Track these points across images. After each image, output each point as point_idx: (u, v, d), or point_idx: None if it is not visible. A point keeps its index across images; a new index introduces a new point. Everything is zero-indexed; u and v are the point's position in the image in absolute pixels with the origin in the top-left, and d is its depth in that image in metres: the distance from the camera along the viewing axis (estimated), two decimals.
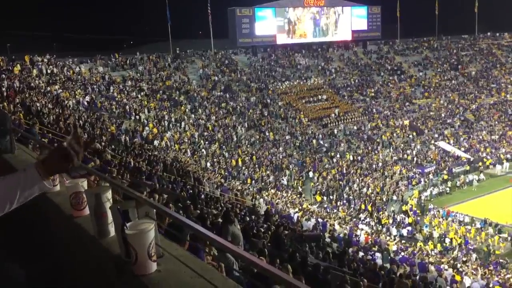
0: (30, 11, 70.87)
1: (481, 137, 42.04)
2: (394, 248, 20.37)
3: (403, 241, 24.02)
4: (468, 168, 36.61)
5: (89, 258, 2.98)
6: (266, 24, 46.97)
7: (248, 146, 33.67)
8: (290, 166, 32.54)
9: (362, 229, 23.10)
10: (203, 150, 30.44)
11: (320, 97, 42.83)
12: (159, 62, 40.92)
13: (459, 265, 19.59)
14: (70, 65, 35.44)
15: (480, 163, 37.32)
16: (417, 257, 19.40)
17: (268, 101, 40.17)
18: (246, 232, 9.75)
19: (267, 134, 35.81)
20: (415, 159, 37.06)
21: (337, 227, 21.31)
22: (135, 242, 2.26)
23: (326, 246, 14.98)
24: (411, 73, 50.58)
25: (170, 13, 44.73)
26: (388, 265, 15.30)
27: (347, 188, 31.36)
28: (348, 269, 11.66)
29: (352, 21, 51.72)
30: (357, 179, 32.66)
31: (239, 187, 24.34)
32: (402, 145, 38.92)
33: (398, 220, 28.07)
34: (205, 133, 32.93)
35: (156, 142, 28.02)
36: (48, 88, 28.21)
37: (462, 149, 39.62)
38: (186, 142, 30.74)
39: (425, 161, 37.21)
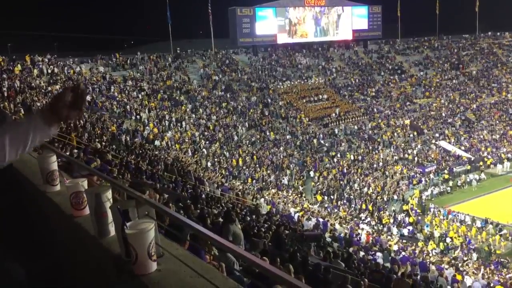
0: (30, 11, 70.98)
1: (482, 136, 42.01)
2: (395, 247, 20.35)
3: (404, 241, 23.99)
4: (469, 167, 36.59)
5: (89, 258, 2.98)
6: (266, 23, 46.98)
7: (249, 145, 33.67)
8: (291, 166, 32.54)
9: (363, 229, 23.08)
10: (203, 149, 30.43)
11: (320, 96, 42.84)
12: (159, 62, 40.94)
13: (460, 265, 19.59)
14: (71, 65, 35.46)
15: (481, 163, 37.28)
16: (417, 256, 19.40)
17: (269, 100, 40.17)
18: (247, 232, 9.75)
19: (267, 133, 35.81)
20: (416, 158, 37.04)
21: (337, 226, 21.30)
22: (135, 242, 2.26)
23: (326, 245, 14.97)
24: (412, 73, 50.57)
25: (171, 13, 44.82)
26: (388, 265, 15.29)
27: (347, 188, 31.36)
28: (349, 269, 11.64)
29: (353, 21, 51.73)
30: (358, 179, 32.65)
31: (240, 187, 24.34)
32: (403, 144, 38.92)
33: (399, 219, 28.06)
34: (206, 133, 32.94)
35: (156, 142, 28.02)
36: (49, 88, 28.22)
37: (463, 148, 39.60)
38: (186, 142, 30.74)
39: (426, 160, 37.19)
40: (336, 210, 27.40)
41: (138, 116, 31.30)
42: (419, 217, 29.05)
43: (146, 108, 32.80)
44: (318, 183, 31.20)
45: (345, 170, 33.51)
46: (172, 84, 38.04)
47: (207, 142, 31.76)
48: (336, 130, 38.90)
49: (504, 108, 46.89)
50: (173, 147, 28.79)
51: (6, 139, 1.86)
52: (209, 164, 28.52)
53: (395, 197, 31.64)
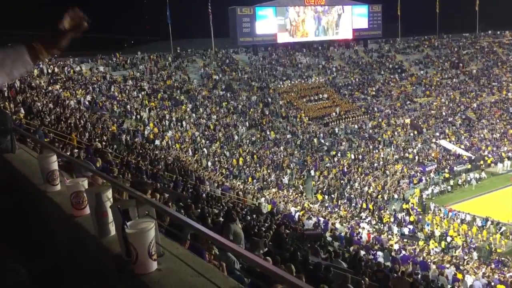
0: (30, 11, 70.94)
1: (482, 135, 41.99)
2: (396, 246, 20.35)
3: (404, 240, 24.00)
4: (469, 166, 36.58)
5: (90, 257, 2.98)
6: (266, 23, 46.96)
7: (249, 145, 33.67)
8: (291, 165, 32.53)
9: (363, 228, 23.08)
10: (204, 149, 30.44)
11: (321, 96, 42.84)
12: (160, 61, 40.93)
13: (460, 264, 19.59)
14: (71, 65, 35.46)
15: (482, 162, 37.26)
16: (418, 255, 19.39)
17: (269, 100, 40.16)
18: (247, 231, 9.75)
19: (268, 133, 35.81)
20: (416, 157, 37.03)
21: (338, 225, 21.30)
22: (136, 241, 2.26)
23: (327, 245, 14.97)
24: (412, 72, 50.53)
25: (171, 13, 44.78)
26: (389, 264, 15.29)
27: (348, 187, 31.36)
28: (355, 269, 11.65)
29: (353, 20, 51.70)
30: (358, 178, 32.65)
31: (241, 186, 24.35)
32: (403, 143, 38.91)
33: (400, 218, 28.06)
34: (206, 132, 32.94)
35: (157, 142, 28.04)
36: (49, 88, 28.22)
37: (463, 147, 39.60)
38: (187, 141, 30.75)
39: (426, 159, 37.19)
40: (336, 209, 27.38)
41: (138, 116, 31.30)
42: (420, 216, 29.05)
43: (146, 107, 32.80)
44: (318, 182, 31.20)
45: (345, 169, 33.50)
46: (172, 83, 38.04)
47: (207, 141, 31.77)
48: (336, 129, 38.90)
49: (504, 107, 46.87)
50: (174, 146, 28.80)
51: None
52: (209, 163, 28.53)
53: (396, 196, 31.65)
